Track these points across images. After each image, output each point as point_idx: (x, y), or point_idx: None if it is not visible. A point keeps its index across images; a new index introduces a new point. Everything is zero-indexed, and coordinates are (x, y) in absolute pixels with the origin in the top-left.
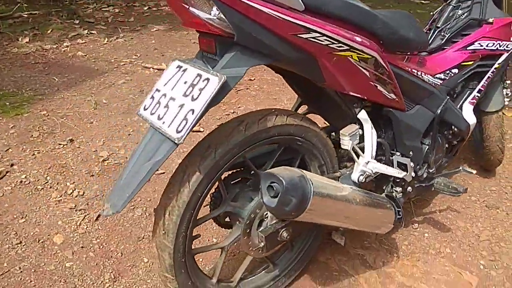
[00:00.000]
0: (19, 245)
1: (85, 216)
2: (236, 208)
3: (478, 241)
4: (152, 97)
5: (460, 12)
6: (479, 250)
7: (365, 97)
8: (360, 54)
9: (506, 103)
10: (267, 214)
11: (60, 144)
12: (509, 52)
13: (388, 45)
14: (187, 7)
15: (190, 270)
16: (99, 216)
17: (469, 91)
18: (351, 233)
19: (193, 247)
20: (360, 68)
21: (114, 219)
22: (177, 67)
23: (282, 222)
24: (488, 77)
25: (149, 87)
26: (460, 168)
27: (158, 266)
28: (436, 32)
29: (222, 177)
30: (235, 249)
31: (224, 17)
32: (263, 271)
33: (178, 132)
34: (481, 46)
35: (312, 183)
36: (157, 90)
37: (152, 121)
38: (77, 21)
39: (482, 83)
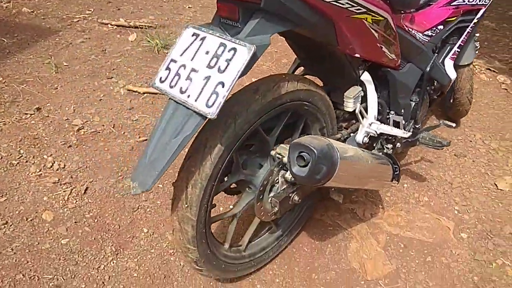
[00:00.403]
0: (5, 225)
1: (72, 189)
2: (248, 175)
3: (451, 188)
4: (168, 68)
5: None
6: (453, 196)
7: (371, 59)
8: (375, 17)
9: (476, 56)
10: (277, 179)
11: (26, 114)
12: (486, 6)
13: (394, 5)
14: None
15: (209, 240)
16: (86, 189)
17: (450, 47)
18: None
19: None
20: (372, 30)
21: (104, 191)
22: (193, 35)
23: (293, 186)
24: (468, 32)
25: (111, 46)
26: (441, 122)
27: (180, 238)
28: None
29: None
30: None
31: None
32: (267, 233)
33: (208, 106)
34: (464, 1)
35: (338, 150)
36: (173, 60)
37: (173, 95)
38: None
39: (462, 38)
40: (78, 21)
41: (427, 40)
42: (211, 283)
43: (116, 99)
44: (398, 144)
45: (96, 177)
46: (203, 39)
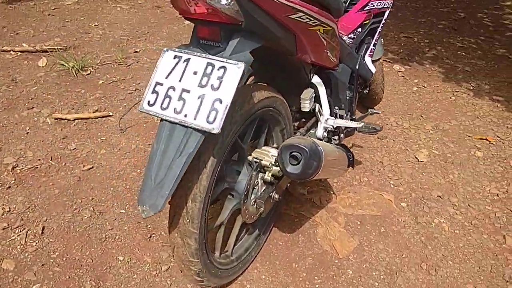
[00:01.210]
0: None
1: (27, 232)
2: (230, 183)
3: (383, 167)
4: (155, 92)
5: None
6: (386, 173)
7: (319, 63)
8: (325, 27)
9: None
10: (257, 182)
11: None
12: (390, 9)
13: (334, 15)
14: None
15: (208, 250)
16: (43, 228)
17: (366, 46)
18: (296, 183)
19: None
20: (322, 38)
21: (63, 227)
22: (174, 58)
23: (272, 186)
24: (379, 32)
25: (21, 74)
26: (369, 110)
27: (183, 254)
28: None
29: None
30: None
31: (237, 4)
32: (246, 234)
33: (210, 122)
34: (373, 6)
35: (320, 146)
36: (158, 83)
37: (168, 116)
38: None
39: (375, 37)
40: None
41: (351, 42)
42: None
43: (44, 129)
44: (342, 135)
45: (49, 214)
46: (187, 60)
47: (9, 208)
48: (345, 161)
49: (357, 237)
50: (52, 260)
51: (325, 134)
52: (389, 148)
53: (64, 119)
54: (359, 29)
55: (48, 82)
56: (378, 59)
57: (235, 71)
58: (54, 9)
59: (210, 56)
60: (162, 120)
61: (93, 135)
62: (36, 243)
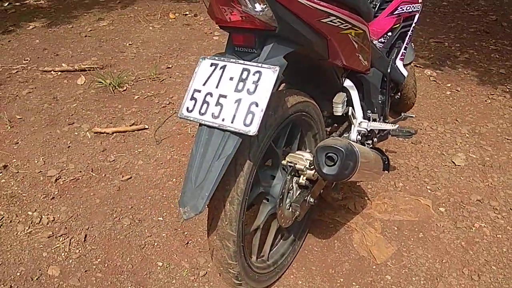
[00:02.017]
0: None
1: (71, 239)
2: (266, 187)
3: (418, 172)
4: (194, 98)
5: None
6: (422, 178)
7: (351, 67)
8: (357, 30)
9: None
10: (292, 186)
11: None
12: (419, 12)
13: (365, 18)
14: (239, 6)
15: (246, 253)
16: (86, 236)
17: (397, 49)
18: (329, 189)
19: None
20: (354, 42)
21: (104, 235)
22: (211, 65)
23: (307, 190)
24: (409, 35)
25: (61, 92)
26: (402, 115)
27: (222, 256)
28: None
29: None
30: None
31: (271, 11)
32: (282, 240)
33: (247, 125)
34: (403, 10)
35: (356, 147)
36: (196, 90)
37: (206, 121)
38: None
39: (406, 41)
40: (17, 72)
41: (381, 46)
42: None
43: (85, 143)
44: (375, 139)
45: (91, 223)
46: (223, 67)
47: (53, 217)
48: (381, 164)
49: (395, 242)
50: (94, 266)
51: (359, 137)
52: (424, 153)
53: (103, 133)
54: (390, 33)
55: (86, 99)
56: (410, 63)
57: (269, 75)
58: (90, 30)
59: (246, 62)
60: (201, 125)
61: (131, 147)
62: (79, 250)
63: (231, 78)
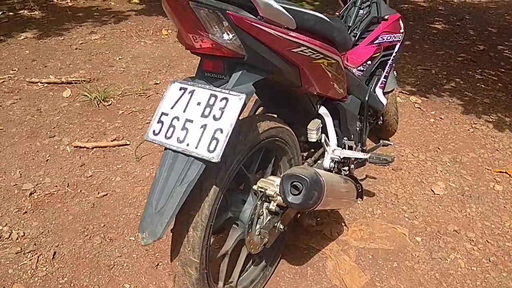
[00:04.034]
0: None
1: (39, 257)
2: (234, 212)
3: (397, 199)
4: (161, 121)
5: (361, 11)
6: (400, 206)
7: (326, 95)
8: (329, 60)
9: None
10: (262, 212)
11: None
12: (400, 42)
13: (338, 49)
14: (207, 34)
15: (209, 280)
16: (54, 253)
17: (377, 78)
18: (304, 213)
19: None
20: (327, 71)
21: (73, 253)
22: (180, 89)
23: (277, 216)
24: (390, 64)
25: (46, 104)
26: (381, 142)
27: (184, 283)
28: (350, 30)
29: None
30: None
31: (239, 40)
32: (252, 266)
33: (210, 152)
34: (383, 39)
35: (322, 176)
36: (164, 113)
37: (171, 145)
38: None
39: (386, 69)
40: (3, 82)
41: (361, 74)
42: None
43: (63, 157)
44: (352, 166)
45: (61, 240)
46: (191, 92)
47: (24, 232)
48: (354, 192)
49: (369, 272)
50: (60, 286)
51: (333, 164)
52: (404, 180)
53: (83, 147)
54: (369, 62)
55: (70, 112)
56: (391, 91)
57: (236, 102)
58: (81, 43)
59: (214, 88)
60: (166, 148)
61: (110, 163)
62: (46, 268)
63: (199, 103)
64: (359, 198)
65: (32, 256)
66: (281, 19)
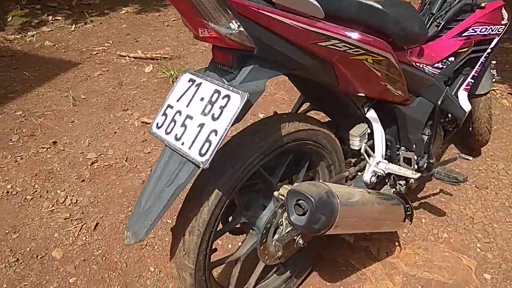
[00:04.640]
0: (16, 263)
1: (82, 226)
2: (250, 217)
3: (472, 223)
4: (165, 114)
5: None
6: (474, 232)
7: (375, 97)
8: (375, 57)
9: (494, 85)
10: (281, 221)
11: (43, 148)
12: (500, 36)
13: (396, 42)
14: (206, 22)
15: (210, 286)
16: (97, 224)
17: (463, 78)
18: None
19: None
20: (374, 70)
21: (114, 227)
22: (189, 81)
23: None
24: (481, 62)
25: (128, 78)
26: (457, 155)
27: (179, 286)
28: (432, 19)
29: None
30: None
31: (244, 30)
32: (275, 274)
33: (201, 155)
34: (475, 31)
35: (338, 197)
36: (170, 106)
37: (169, 141)
38: (38, 6)
39: (475, 69)
40: (97, 53)
41: (437, 73)
42: None
43: (130, 131)
44: (412, 180)
45: (106, 212)
46: (198, 85)
47: (76, 200)
48: (398, 214)
49: None
50: (93, 257)
51: (374, 179)
52: (487, 201)
53: (148, 123)
54: (452, 58)
55: (147, 87)
56: (484, 94)
57: (236, 100)
58: (174, 20)
59: (219, 83)
60: (165, 145)
61: None
62: (86, 238)
63: (202, 99)
64: (407, 221)
65: (77, 224)
66: (302, 6)
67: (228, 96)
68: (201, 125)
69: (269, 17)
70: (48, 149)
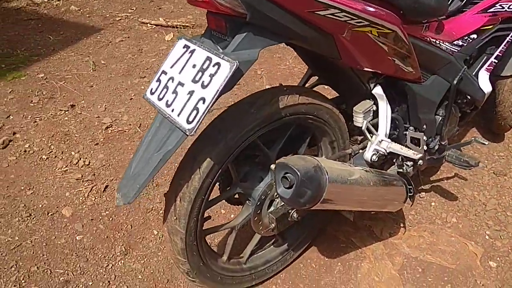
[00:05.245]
0: (28, 218)
1: (93, 187)
2: (246, 188)
3: (484, 210)
4: (159, 80)
5: None
6: (485, 219)
7: (382, 72)
8: (380, 29)
9: None
10: (277, 194)
11: (61, 110)
12: None
13: (408, 15)
14: None
15: (202, 252)
16: (106, 187)
17: (486, 57)
18: None
19: (204, 228)
20: (379, 43)
21: None
22: (184, 47)
23: None
24: (508, 41)
25: (148, 45)
26: (473, 139)
27: (170, 250)
28: None
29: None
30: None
31: None
32: (272, 246)
33: (188, 122)
34: (503, 8)
35: (327, 173)
36: (164, 72)
37: (160, 108)
38: None
39: (500, 48)
40: (120, 20)
41: (456, 50)
42: None
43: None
44: (420, 161)
45: (117, 175)
46: (192, 51)
47: (89, 162)
48: (398, 194)
49: (410, 286)
50: (100, 218)
51: (375, 158)
52: (504, 189)
53: None
54: (473, 36)
55: (166, 55)
56: (510, 76)
57: (225, 69)
58: None
59: (212, 50)
60: (157, 110)
61: None
62: (95, 199)
63: (194, 66)
64: (406, 202)
65: (88, 185)
66: None
67: (218, 64)
68: (191, 92)
69: None
70: (66, 112)
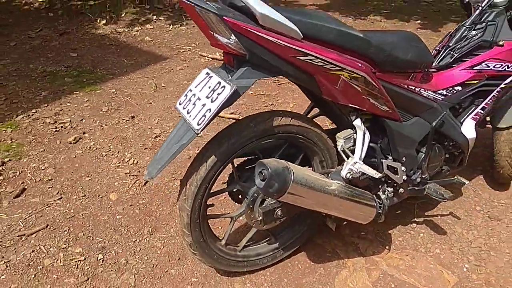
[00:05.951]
0: (83, 197)
1: (136, 181)
2: (244, 187)
3: (469, 246)
4: (186, 95)
5: (474, 32)
6: (468, 255)
7: (360, 108)
8: (351, 73)
9: None
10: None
11: (123, 120)
12: None
13: (382, 66)
14: (213, 33)
15: (203, 230)
16: (146, 182)
17: (473, 107)
18: (351, 223)
19: (208, 214)
20: (353, 84)
21: (159, 186)
22: (205, 74)
23: (278, 202)
24: (494, 95)
25: None
26: (455, 177)
27: (179, 223)
28: (447, 50)
29: (238, 162)
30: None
31: (238, 42)
32: (265, 242)
33: (198, 125)
34: (488, 66)
35: (293, 174)
36: (190, 90)
37: (183, 114)
38: (147, 6)
39: (486, 100)
40: (183, 51)
41: (440, 99)
42: (211, 272)
43: None
44: (401, 190)
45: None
46: (210, 77)
47: (137, 161)
48: (368, 209)
49: None
50: (138, 204)
51: (349, 176)
52: (494, 231)
53: None
54: (458, 88)
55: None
56: (507, 128)
57: (227, 90)
58: None
59: (223, 77)
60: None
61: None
62: (136, 190)
63: (209, 87)
64: (376, 219)
65: (133, 179)
66: (282, 28)
67: (224, 86)
68: (203, 105)
69: (257, 34)
70: (127, 121)
